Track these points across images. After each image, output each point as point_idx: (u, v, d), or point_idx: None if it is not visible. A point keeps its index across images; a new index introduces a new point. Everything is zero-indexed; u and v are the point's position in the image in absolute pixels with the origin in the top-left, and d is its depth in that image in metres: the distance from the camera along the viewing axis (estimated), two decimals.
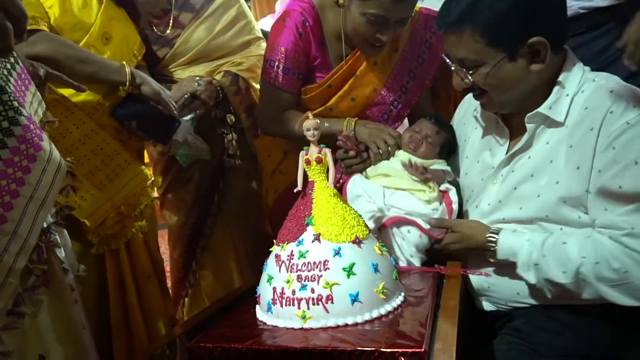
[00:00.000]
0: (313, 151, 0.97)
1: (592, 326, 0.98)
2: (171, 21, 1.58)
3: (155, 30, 1.58)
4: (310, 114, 1.00)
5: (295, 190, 0.96)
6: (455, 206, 1.20)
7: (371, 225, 1.10)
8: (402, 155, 1.26)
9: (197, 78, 1.55)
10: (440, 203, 1.20)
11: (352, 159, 1.27)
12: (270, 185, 1.66)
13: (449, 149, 1.30)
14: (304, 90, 1.38)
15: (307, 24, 1.35)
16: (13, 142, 0.68)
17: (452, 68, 1.05)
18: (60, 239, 0.76)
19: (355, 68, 1.37)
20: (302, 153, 0.98)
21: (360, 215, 0.96)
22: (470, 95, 1.19)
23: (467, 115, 1.27)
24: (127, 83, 1.29)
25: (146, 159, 1.68)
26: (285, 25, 1.36)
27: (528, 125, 1.04)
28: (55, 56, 1.17)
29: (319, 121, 0.98)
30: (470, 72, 1.01)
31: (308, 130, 0.97)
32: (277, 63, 1.37)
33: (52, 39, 1.20)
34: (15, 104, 0.70)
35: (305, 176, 0.97)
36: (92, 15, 1.30)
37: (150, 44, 1.58)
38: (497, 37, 0.96)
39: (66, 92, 1.25)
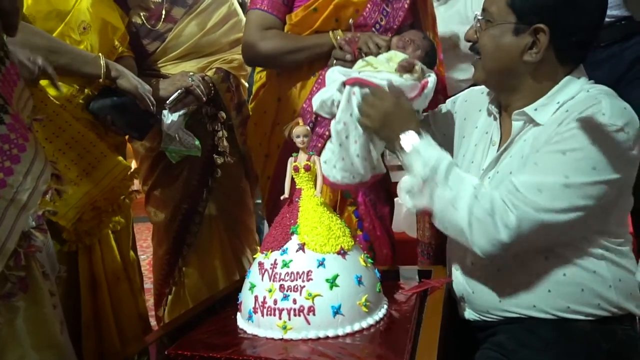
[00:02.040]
0: (302, 158, 0.96)
1: (577, 344, 0.98)
2: (163, 15, 1.56)
3: (146, 24, 1.56)
4: (300, 120, 0.99)
5: (282, 198, 0.95)
6: (429, 86, 1.14)
7: (337, 95, 1.11)
8: (390, 52, 1.24)
9: (191, 73, 1.53)
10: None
11: (347, 62, 1.27)
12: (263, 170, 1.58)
13: (430, 59, 1.29)
14: (288, 17, 1.36)
15: None
16: None
17: (475, 15, 1.04)
18: (42, 242, 0.73)
19: None
20: (290, 159, 0.97)
21: (346, 226, 0.95)
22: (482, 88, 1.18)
23: (476, 103, 1.23)
24: (102, 76, 1.24)
25: (129, 154, 1.65)
26: None
27: (514, 124, 1.03)
28: (26, 45, 1.09)
29: (309, 128, 0.98)
30: (483, 28, 1.01)
31: (298, 137, 0.96)
32: None
33: (22, 27, 1.14)
34: (1, 101, 0.67)
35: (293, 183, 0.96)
36: (70, 2, 1.24)
37: (140, 38, 1.56)
38: (520, 1, 0.96)
39: (42, 82, 1.21)
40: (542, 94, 0.99)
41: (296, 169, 0.95)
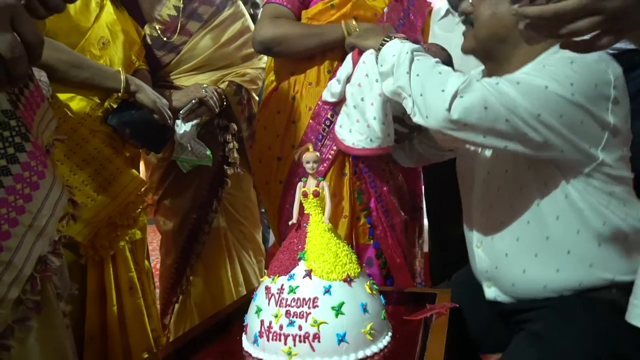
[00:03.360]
0: (311, 184, 0.97)
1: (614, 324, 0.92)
2: (178, 28, 1.61)
3: (162, 36, 1.60)
4: (310, 146, 1.00)
5: (290, 223, 0.96)
6: None
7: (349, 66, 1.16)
8: None
9: (204, 85, 1.58)
10: None
11: None
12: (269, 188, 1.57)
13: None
14: (305, 11, 1.37)
15: None
16: (17, 169, 0.67)
17: None
18: (58, 267, 0.74)
19: None
20: (299, 185, 0.98)
21: (354, 253, 0.96)
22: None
23: None
24: (122, 90, 1.28)
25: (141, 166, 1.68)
26: None
27: None
28: (49, 60, 1.15)
29: (318, 154, 0.99)
30: None
31: (307, 162, 0.97)
32: None
33: (47, 43, 1.18)
34: (23, 129, 0.69)
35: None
36: (90, 19, 1.28)
37: (155, 49, 1.60)
38: None
39: (62, 96, 1.24)
40: (529, 61, 1.01)
41: (305, 195, 0.96)
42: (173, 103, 1.54)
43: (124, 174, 1.31)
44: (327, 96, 1.26)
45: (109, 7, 1.35)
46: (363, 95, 1.17)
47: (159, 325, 1.50)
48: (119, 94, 1.29)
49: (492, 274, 1.10)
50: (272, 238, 2.68)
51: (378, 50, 1.15)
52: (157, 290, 1.78)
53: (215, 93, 1.59)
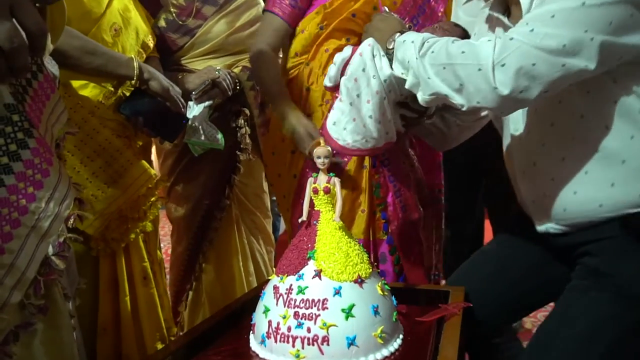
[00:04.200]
0: (322, 180, 0.94)
1: None
2: (193, 12, 1.61)
3: (177, 19, 1.61)
4: (322, 140, 0.97)
5: (299, 220, 0.94)
6: None
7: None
8: None
9: (218, 68, 1.57)
10: None
11: None
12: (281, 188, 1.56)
13: None
14: (323, 5, 1.33)
15: None
16: (19, 167, 0.64)
17: None
18: (63, 269, 0.72)
19: None
20: (310, 180, 0.95)
21: (365, 251, 0.93)
22: None
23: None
24: (135, 77, 1.26)
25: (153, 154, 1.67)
26: None
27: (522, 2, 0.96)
28: (62, 46, 1.13)
29: (330, 149, 0.95)
30: None
31: (318, 157, 0.94)
32: None
33: None
34: (26, 124, 0.66)
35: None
36: (102, 5, 1.26)
37: (170, 32, 1.60)
38: None
39: (75, 83, 1.22)
40: None
41: (315, 191, 0.93)
42: (186, 85, 1.54)
43: (134, 166, 1.29)
44: (326, 81, 1.22)
45: None
46: (359, 92, 1.11)
47: (170, 315, 1.50)
48: (132, 82, 1.27)
49: (540, 203, 1.02)
50: (282, 226, 2.68)
51: (390, 53, 1.08)
52: (168, 277, 1.79)
53: (229, 76, 1.59)
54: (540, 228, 1.04)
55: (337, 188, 0.93)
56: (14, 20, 0.54)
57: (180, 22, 1.61)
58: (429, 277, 1.49)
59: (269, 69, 1.36)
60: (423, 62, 0.96)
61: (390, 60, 1.07)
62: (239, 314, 1.09)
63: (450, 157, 2.12)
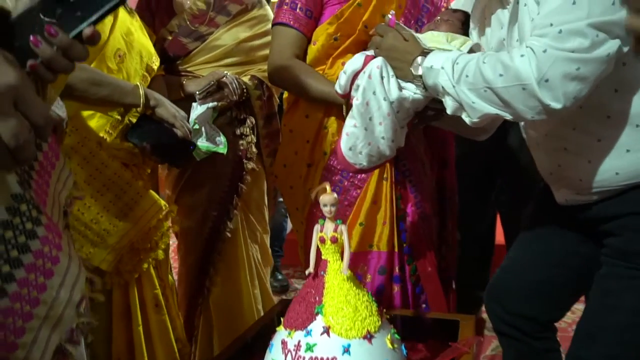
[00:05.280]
0: (328, 228, 0.92)
1: None
2: (207, 20, 1.64)
3: (190, 25, 1.64)
4: (328, 186, 0.95)
5: (307, 272, 0.93)
6: None
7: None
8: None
9: (225, 72, 1.59)
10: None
11: None
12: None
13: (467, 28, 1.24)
14: (334, 16, 1.32)
15: None
16: (29, 258, 0.63)
17: None
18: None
19: None
20: (316, 227, 0.94)
21: (374, 301, 0.92)
22: None
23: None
24: (142, 106, 1.27)
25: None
26: None
27: None
28: (70, 80, 1.13)
29: (336, 196, 0.93)
30: None
31: (325, 206, 0.92)
32: (288, 1, 1.35)
33: None
34: (34, 212, 0.65)
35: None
36: (106, 31, 1.24)
37: (182, 36, 1.63)
38: None
39: (85, 112, 1.22)
40: None
41: (322, 240, 0.92)
42: (192, 87, 1.56)
43: (144, 198, 1.30)
44: (337, 87, 1.22)
45: (122, 15, 1.30)
46: (371, 115, 1.12)
47: (183, 335, 1.52)
48: (139, 109, 1.26)
49: (557, 175, 1.01)
50: (289, 226, 2.69)
51: (417, 80, 1.06)
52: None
53: (235, 81, 1.59)
54: (560, 200, 1.03)
55: (345, 237, 0.91)
56: (18, 114, 0.52)
57: (193, 28, 1.63)
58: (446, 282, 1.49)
59: (304, 72, 1.33)
60: (461, 88, 0.94)
61: (417, 85, 1.06)
62: (250, 350, 1.10)
63: (464, 157, 2.10)
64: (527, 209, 1.25)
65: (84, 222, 1.20)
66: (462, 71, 0.94)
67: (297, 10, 1.34)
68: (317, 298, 0.89)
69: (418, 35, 1.15)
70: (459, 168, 2.22)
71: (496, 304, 1.17)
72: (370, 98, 1.11)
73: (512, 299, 1.14)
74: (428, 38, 1.13)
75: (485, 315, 2.26)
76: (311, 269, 0.92)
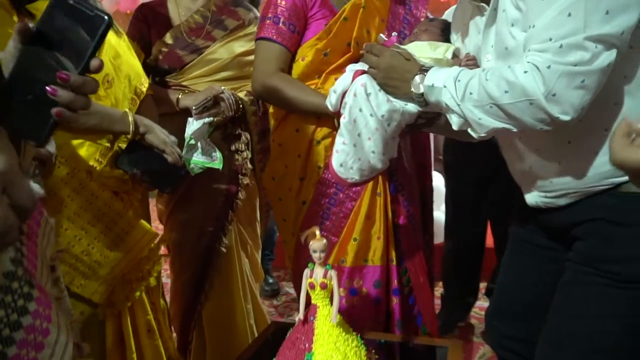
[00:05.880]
0: (318, 273, 0.94)
1: None
2: (204, 33, 1.65)
3: (186, 37, 1.63)
4: (317, 231, 0.96)
5: (297, 319, 0.94)
6: None
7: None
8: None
9: (222, 88, 1.59)
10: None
11: None
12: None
13: (447, 35, 1.27)
14: (328, 28, 1.33)
15: None
16: (21, 334, 0.63)
17: None
18: None
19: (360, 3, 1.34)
20: (306, 272, 0.95)
21: (363, 344, 0.94)
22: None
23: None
24: (131, 133, 1.26)
25: None
26: None
27: None
28: None
29: (326, 242, 0.94)
30: None
31: (314, 252, 0.93)
32: (271, 16, 1.35)
33: None
34: (26, 288, 0.65)
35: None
36: None
37: (178, 49, 1.63)
38: None
39: (74, 141, 1.21)
40: None
41: (312, 286, 0.93)
42: (188, 100, 1.56)
43: (135, 229, 1.30)
44: (327, 104, 1.24)
45: (110, 37, 1.28)
46: (359, 131, 1.15)
47: (176, 354, 1.54)
48: (128, 136, 1.26)
49: (528, 175, 1.04)
50: None
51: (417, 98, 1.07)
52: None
53: (232, 97, 1.59)
54: (531, 201, 1.06)
55: (334, 282, 0.93)
56: (5, 198, 0.52)
57: (190, 40, 1.64)
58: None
59: (292, 86, 1.34)
60: (466, 105, 0.95)
61: (419, 102, 1.07)
62: None
63: (457, 165, 2.12)
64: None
65: (74, 255, 1.20)
66: (465, 89, 0.95)
67: (280, 24, 1.34)
68: (307, 345, 0.91)
69: (403, 46, 1.18)
70: (452, 177, 2.26)
71: (492, 329, 1.21)
72: (357, 115, 1.14)
73: (504, 323, 1.17)
74: (412, 48, 1.16)
75: (473, 321, 2.33)
76: (301, 315, 0.94)
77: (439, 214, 2.81)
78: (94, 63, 0.58)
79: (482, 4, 1.03)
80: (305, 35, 1.37)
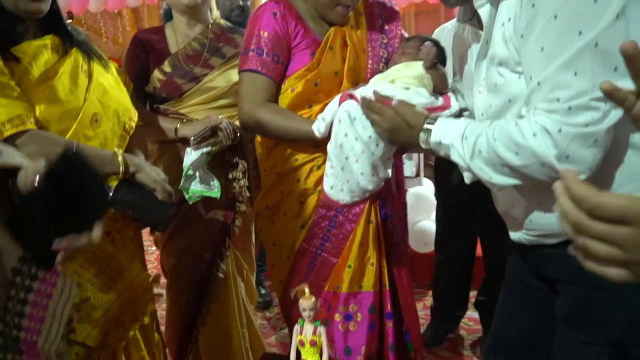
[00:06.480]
0: (308, 330, 0.96)
1: None
2: (201, 61, 1.66)
3: (184, 65, 1.65)
4: (307, 289, 0.97)
5: None
6: (453, 104, 1.19)
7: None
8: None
9: (220, 117, 1.59)
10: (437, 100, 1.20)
11: None
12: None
13: (440, 53, 1.29)
14: (316, 60, 1.34)
15: (279, 6, 1.36)
16: None
17: None
18: None
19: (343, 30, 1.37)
20: (296, 328, 0.97)
21: None
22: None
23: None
24: (121, 174, 1.25)
25: None
26: (257, 14, 1.37)
27: (481, 12, 0.95)
28: (44, 155, 1.11)
29: (315, 300, 0.96)
30: None
31: (304, 310, 0.95)
32: (254, 47, 1.35)
33: (41, 138, 1.14)
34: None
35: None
36: (80, 97, 1.21)
37: (176, 77, 1.64)
38: None
39: None
40: None
41: (302, 343, 0.95)
42: (188, 132, 1.56)
43: (128, 271, 1.30)
44: (316, 130, 1.26)
45: (97, 72, 1.27)
46: (347, 155, 1.20)
47: None
48: (119, 176, 1.26)
49: (510, 213, 1.04)
50: None
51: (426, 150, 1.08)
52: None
53: (230, 126, 1.59)
54: (514, 236, 1.07)
55: (323, 338, 0.95)
56: None
57: (187, 68, 1.64)
58: None
59: (283, 116, 1.34)
60: (476, 164, 0.94)
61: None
62: None
63: (447, 182, 2.12)
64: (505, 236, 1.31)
65: None
66: (473, 147, 0.93)
67: (264, 55, 1.34)
68: None
69: (384, 72, 1.22)
70: (443, 193, 2.26)
71: None
72: (343, 140, 1.19)
73: (501, 358, 1.18)
74: (391, 74, 1.21)
75: (462, 332, 2.38)
76: None
77: (430, 223, 2.84)
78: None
79: (480, 31, 1.01)
80: (291, 65, 1.37)
